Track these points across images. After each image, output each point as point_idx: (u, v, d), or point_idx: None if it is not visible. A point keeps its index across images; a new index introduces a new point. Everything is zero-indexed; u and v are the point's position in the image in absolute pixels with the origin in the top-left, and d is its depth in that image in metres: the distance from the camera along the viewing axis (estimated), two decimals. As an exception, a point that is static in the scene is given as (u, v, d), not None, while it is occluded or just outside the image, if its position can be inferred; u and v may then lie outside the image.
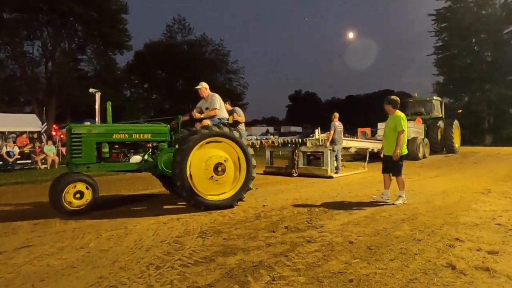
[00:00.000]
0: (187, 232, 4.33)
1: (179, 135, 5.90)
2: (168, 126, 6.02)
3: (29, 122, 17.70)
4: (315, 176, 9.60)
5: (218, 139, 5.66)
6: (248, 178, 5.79)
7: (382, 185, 6.22)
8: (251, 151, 5.89)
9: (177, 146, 5.62)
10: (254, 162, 5.87)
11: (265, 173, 10.92)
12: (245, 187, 5.78)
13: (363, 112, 57.62)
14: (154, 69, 40.72)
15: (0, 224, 4.78)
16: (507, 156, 16.33)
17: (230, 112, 7.33)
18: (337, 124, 10.33)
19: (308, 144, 12.37)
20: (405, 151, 5.92)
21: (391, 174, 5.99)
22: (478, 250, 3.45)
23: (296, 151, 10.38)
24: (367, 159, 11.84)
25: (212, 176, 5.46)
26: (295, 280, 2.83)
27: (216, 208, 5.46)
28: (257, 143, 27.01)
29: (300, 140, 24.63)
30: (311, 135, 15.41)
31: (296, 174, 10.00)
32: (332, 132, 10.23)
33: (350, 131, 19.36)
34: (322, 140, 11.70)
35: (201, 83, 6.48)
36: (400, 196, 5.83)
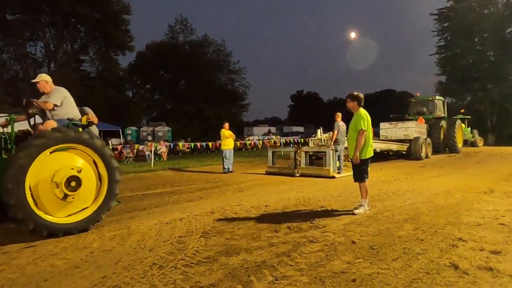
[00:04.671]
0: (190, 232, 4.35)
1: (12, 142, 4.46)
2: None
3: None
4: (317, 176, 9.59)
5: (72, 145, 4.49)
6: (110, 195, 4.71)
7: (384, 185, 6.21)
8: (115, 163, 4.81)
9: (6, 156, 4.40)
10: (118, 176, 4.80)
11: (267, 173, 10.93)
12: (105, 206, 4.68)
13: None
14: (156, 69, 40.95)
15: (3, 224, 4.80)
16: (510, 155, 16.22)
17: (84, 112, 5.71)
18: (341, 124, 10.32)
19: (310, 144, 12.36)
20: (370, 153, 5.18)
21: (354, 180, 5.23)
22: (481, 250, 3.45)
23: (298, 151, 10.38)
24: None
25: (63, 193, 4.25)
26: (298, 280, 2.83)
27: (66, 234, 4.28)
28: (259, 143, 27.09)
29: (302, 140, 24.66)
30: (313, 135, 15.41)
31: (298, 174, 10.00)
32: (336, 132, 10.22)
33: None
34: (324, 140, 11.69)
35: (39, 75, 5.15)
36: (361, 205, 5.13)
